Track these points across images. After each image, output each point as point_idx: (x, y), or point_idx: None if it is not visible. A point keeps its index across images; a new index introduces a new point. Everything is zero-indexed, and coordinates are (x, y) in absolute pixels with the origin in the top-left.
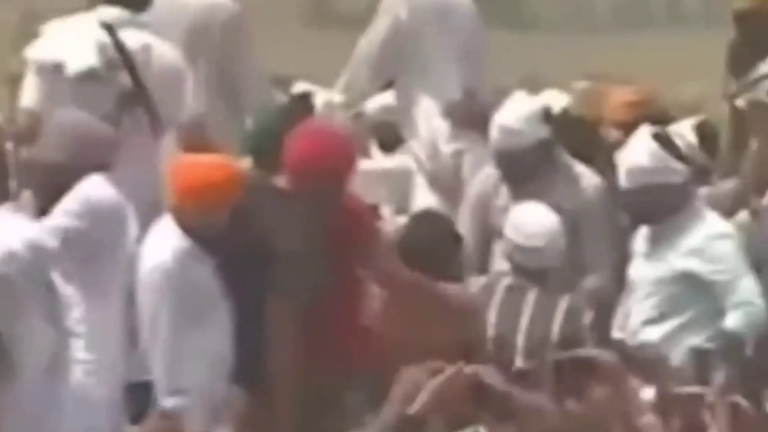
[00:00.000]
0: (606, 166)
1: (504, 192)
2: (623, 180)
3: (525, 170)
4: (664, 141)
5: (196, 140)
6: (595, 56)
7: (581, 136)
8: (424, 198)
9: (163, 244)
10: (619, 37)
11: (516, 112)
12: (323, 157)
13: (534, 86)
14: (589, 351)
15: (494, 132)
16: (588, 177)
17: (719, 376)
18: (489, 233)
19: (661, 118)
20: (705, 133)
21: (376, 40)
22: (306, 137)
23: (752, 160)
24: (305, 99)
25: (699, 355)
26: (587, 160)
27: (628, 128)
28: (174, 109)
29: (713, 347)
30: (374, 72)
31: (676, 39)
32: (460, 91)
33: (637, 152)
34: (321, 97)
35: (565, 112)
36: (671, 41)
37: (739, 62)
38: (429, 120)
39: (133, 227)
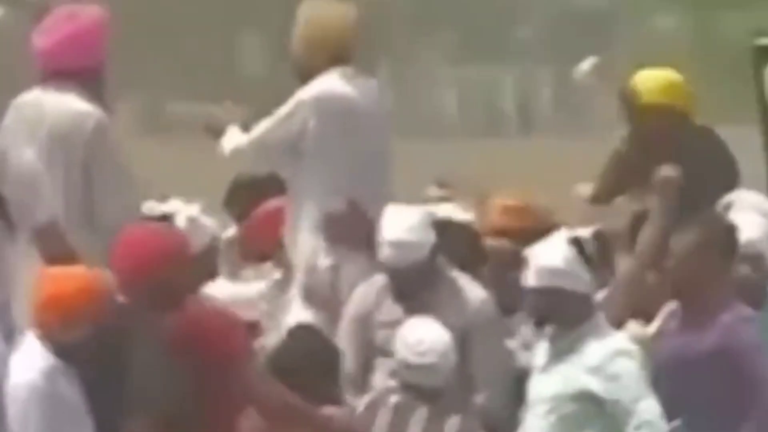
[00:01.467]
0: (492, 277)
1: (387, 307)
2: (531, 278)
3: (420, 281)
4: (578, 248)
5: (54, 245)
6: (442, 162)
7: (465, 245)
8: (297, 313)
9: (30, 360)
10: (467, 143)
11: (405, 224)
12: (133, 261)
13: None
14: None
15: (386, 250)
16: (473, 290)
17: None
18: (370, 350)
19: (547, 226)
20: (600, 243)
21: (279, 134)
22: (120, 245)
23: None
24: (166, 219)
25: None
26: (471, 271)
27: (510, 235)
28: (29, 213)
29: None
30: (263, 162)
31: (527, 145)
32: (345, 202)
33: (552, 253)
34: (183, 214)
35: (448, 221)
36: (522, 147)
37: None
38: (311, 233)
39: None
